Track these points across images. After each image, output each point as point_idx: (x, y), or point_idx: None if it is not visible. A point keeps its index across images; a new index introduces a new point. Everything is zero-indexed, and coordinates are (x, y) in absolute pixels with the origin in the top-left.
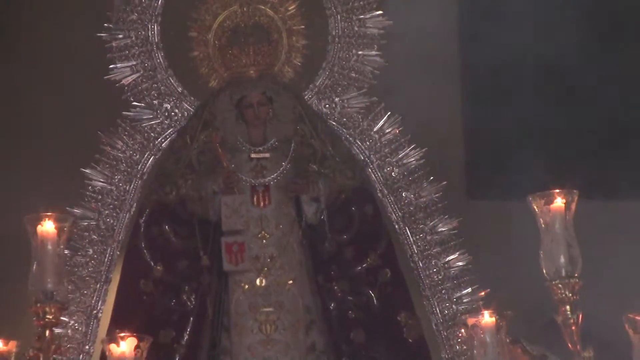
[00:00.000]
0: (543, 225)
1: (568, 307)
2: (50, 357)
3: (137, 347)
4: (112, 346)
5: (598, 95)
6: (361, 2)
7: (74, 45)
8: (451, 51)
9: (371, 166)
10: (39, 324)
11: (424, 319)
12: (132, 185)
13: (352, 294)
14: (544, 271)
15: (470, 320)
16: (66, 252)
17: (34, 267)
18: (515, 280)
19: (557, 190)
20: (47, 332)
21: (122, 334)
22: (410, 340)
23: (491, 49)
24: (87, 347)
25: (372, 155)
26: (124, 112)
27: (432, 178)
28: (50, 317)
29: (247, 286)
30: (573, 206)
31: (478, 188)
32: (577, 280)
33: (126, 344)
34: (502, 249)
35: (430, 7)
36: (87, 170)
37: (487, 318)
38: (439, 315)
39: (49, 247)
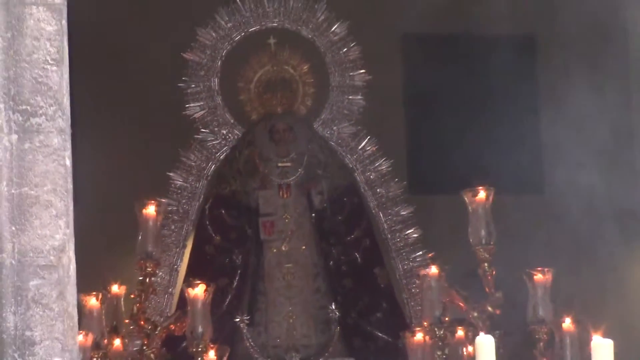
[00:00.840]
0: (470, 210)
1: (486, 264)
2: (148, 296)
3: (205, 290)
4: (190, 290)
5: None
6: (350, 65)
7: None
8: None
9: (357, 172)
10: (142, 274)
11: (390, 271)
12: (200, 184)
13: (344, 255)
14: (471, 240)
15: (422, 271)
16: (159, 224)
17: (140, 237)
18: (453, 246)
19: (480, 187)
20: (148, 280)
21: (196, 281)
22: (382, 285)
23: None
24: (170, 289)
25: (357, 165)
26: (195, 136)
27: (396, 179)
28: (150, 269)
29: (275, 250)
30: (491, 197)
31: (423, 186)
32: (492, 246)
33: (199, 288)
34: (442, 227)
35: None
36: (171, 174)
37: (433, 270)
38: (401, 269)
39: (150, 223)
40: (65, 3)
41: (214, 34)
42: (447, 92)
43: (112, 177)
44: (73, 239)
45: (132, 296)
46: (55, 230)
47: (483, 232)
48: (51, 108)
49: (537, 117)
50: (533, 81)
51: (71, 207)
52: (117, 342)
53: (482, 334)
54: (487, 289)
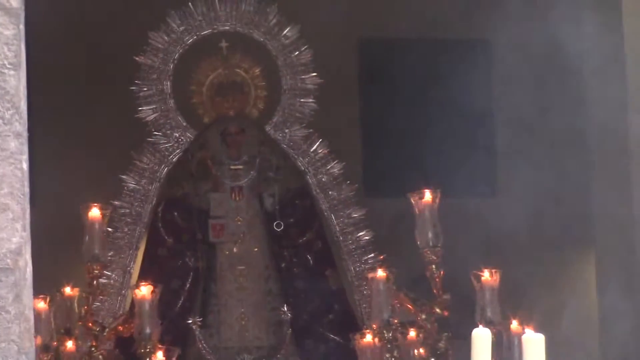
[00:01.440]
0: (417, 212)
1: (434, 266)
2: (97, 298)
3: (153, 291)
4: (137, 291)
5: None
6: (302, 68)
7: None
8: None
9: (309, 174)
10: (90, 277)
11: (342, 274)
12: (152, 186)
13: (296, 257)
14: (418, 242)
15: (370, 275)
16: (110, 229)
17: (86, 239)
18: (401, 249)
19: (427, 190)
20: (95, 282)
21: (143, 283)
22: (333, 288)
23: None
24: (123, 291)
25: (309, 167)
26: (148, 139)
27: (348, 182)
28: (97, 272)
29: (227, 252)
30: (437, 200)
31: (374, 189)
32: (439, 248)
33: (146, 289)
34: (390, 230)
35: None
36: (124, 176)
37: (381, 273)
38: (353, 271)
39: (96, 226)
40: (23, 8)
41: (166, 38)
42: (402, 96)
43: (66, 180)
44: (30, 242)
45: (83, 297)
46: (12, 234)
47: (430, 234)
48: (8, 112)
49: (493, 122)
50: (488, 85)
51: (28, 211)
52: (70, 344)
53: (480, 326)
54: (435, 291)
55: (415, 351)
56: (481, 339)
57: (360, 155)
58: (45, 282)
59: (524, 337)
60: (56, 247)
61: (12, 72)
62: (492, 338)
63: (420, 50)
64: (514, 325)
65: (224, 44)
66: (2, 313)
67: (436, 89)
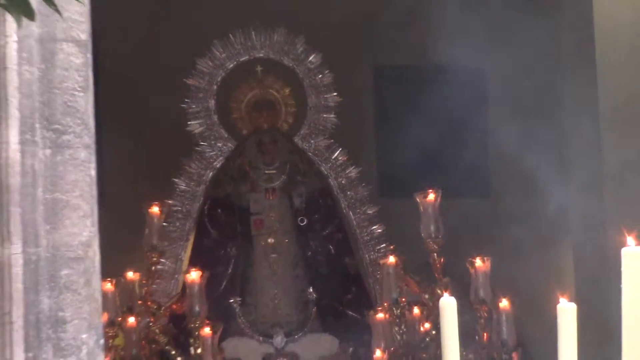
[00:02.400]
0: (422, 209)
1: (435, 254)
2: (154, 281)
3: (201, 276)
4: (187, 275)
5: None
6: (324, 88)
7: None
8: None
9: (330, 178)
10: (148, 263)
11: (359, 261)
12: (200, 188)
13: (320, 247)
14: (422, 234)
15: (382, 261)
16: (165, 224)
17: (146, 232)
18: (406, 240)
19: (430, 190)
20: (153, 268)
21: (192, 269)
22: (351, 272)
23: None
24: (175, 276)
25: (331, 172)
26: (196, 148)
27: (364, 184)
28: (155, 259)
29: (263, 243)
30: (439, 199)
31: (386, 190)
32: (440, 239)
33: (195, 274)
34: (399, 224)
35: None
36: (176, 180)
37: (391, 259)
38: (367, 258)
39: (155, 221)
40: (90, 40)
41: (210, 63)
42: (410, 113)
43: (130, 184)
44: (97, 236)
45: (142, 282)
46: (82, 229)
47: (432, 228)
48: (78, 127)
49: (486, 134)
50: (484, 105)
51: (96, 210)
52: (132, 320)
53: (445, 295)
54: (436, 275)
55: (421, 325)
56: (448, 306)
57: (374, 162)
58: (112, 268)
59: (558, 306)
60: (122, 239)
61: (81, 94)
62: (484, 314)
63: (424, 74)
64: (503, 303)
65: (259, 69)
66: (75, 295)
67: (439, 107)
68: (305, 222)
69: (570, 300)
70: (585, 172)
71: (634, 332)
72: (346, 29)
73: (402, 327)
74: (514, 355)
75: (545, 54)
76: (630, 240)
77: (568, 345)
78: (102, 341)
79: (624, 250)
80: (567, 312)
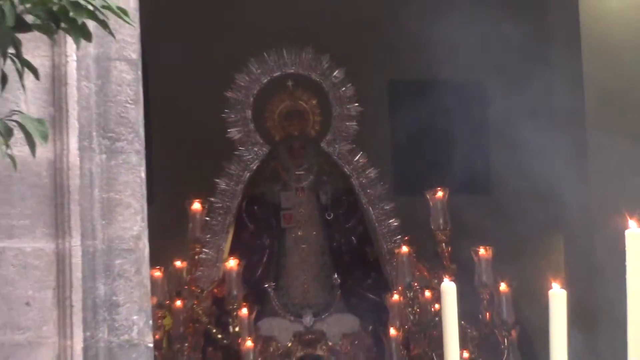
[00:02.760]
0: (432, 205)
1: (443, 244)
2: (198, 269)
3: (238, 264)
4: (227, 263)
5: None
6: (347, 100)
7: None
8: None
9: (352, 177)
10: (192, 253)
11: (377, 250)
12: (238, 187)
13: (344, 238)
14: (432, 227)
15: (397, 250)
16: (207, 218)
17: (190, 226)
18: (418, 231)
19: (439, 188)
20: (196, 257)
21: (231, 258)
22: (371, 260)
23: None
24: (217, 264)
25: (353, 172)
26: (234, 152)
27: (382, 183)
28: (198, 249)
29: (294, 235)
30: (447, 196)
31: (401, 188)
32: (448, 231)
33: (234, 262)
34: (412, 218)
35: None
36: (217, 180)
37: (405, 249)
38: (385, 248)
39: (197, 216)
40: (140, 58)
41: (247, 78)
42: (420, 121)
43: (176, 184)
44: (146, 230)
45: (188, 269)
46: (133, 224)
47: (440, 221)
48: (130, 135)
49: (488, 140)
50: (485, 113)
51: (145, 207)
52: (179, 303)
53: (446, 280)
54: (444, 262)
55: (432, 307)
56: (449, 290)
57: (390, 164)
58: (161, 257)
59: (550, 292)
60: (170, 232)
61: (132, 106)
62: (486, 296)
63: (432, 87)
64: (502, 287)
65: (290, 83)
66: (127, 282)
67: (445, 116)
68: (331, 217)
69: (562, 287)
70: (574, 171)
71: (638, 309)
72: (365, 48)
73: (415, 308)
74: (513, 332)
75: (537, 63)
76: (632, 223)
77: (559, 326)
78: (150, 322)
79: (627, 232)
80: (558, 297)
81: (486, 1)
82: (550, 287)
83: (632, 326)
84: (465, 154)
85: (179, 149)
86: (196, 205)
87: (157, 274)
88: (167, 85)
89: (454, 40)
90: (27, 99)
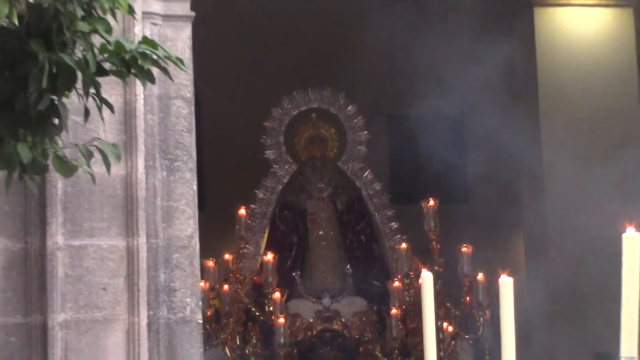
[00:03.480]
0: (424, 211)
1: (434, 242)
2: (241, 260)
3: (273, 257)
4: (264, 257)
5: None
6: (358, 129)
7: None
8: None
9: (362, 190)
10: (237, 248)
11: (382, 246)
12: (273, 196)
13: (355, 237)
14: (425, 228)
15: (397, 246)
16: (249, 221)
17: (236, 227)
18: (414, 232)
19: (430, 198)
20: (240, 251)
21: (267, 252)
22: (377, 254)
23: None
24: (256, 257)
25: (362, 186)
26: (270, 169)
27: (384, 194)
28: (242, 245)
29: (315, 234)
30: (437, 204)
31: (400, 198)
32: (437, 232)
33: (270, 256)
34: (409, 222)
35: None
36: (257, 191)
37: (403, 245)
38: (387, 245)
39: (242, 219)
40: (193, 96)
41: (280, 111)
42: (413, 145)
43: (223, 194)
44: (197, 231)
45: (234, 261)
46: (187, 226)
47: (432, 224)
48: (185, 157)
49: (466, 161)
50: (463, 140)
51: (197, 213)
52: (226, 287)
53: (424, 271)
54: (434, 257)
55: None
56: (427, 278)
57: (390, 179)
58: (214, 251)
59: (500, 279)
60: (220, 232)
61: (187, 134)
62: (467, 284)
63: (422, 118)
64: (479, 276)
65: (313, 115)
66: (182, 272)
67: (433, 141)
68: (346, 219)
69: (509, 276)
70: (530, 185)
71: (632, 306)
72: (372, 90)
73: (411, 291)
74: (487, 312)
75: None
76: (630, 228)
77: (508, 303)
78: (200, 303)
79: (624, 236)
80: (506, 285)
81: (461, 45)
82: (499, 277)
83: (625, 324)
84: (448, 172)
85: (226, 166)
86: (242, 211)
87: (210, 264)
88: (217, 116)
89: (436, 79)
90: (105, 128)
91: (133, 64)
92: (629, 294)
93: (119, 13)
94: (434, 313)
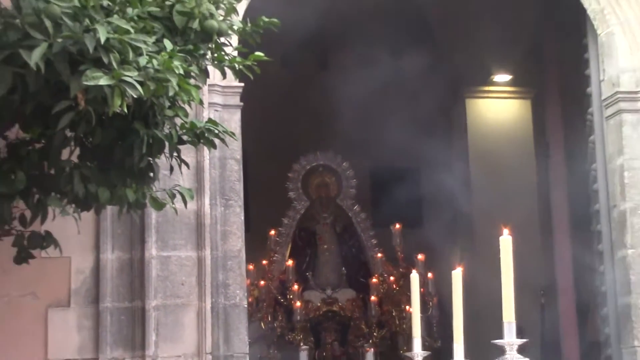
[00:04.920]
0: (393, 232)
1: (399, 252)
2: (272, 264)
3: (293, 262)
4: (287, 262)
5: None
6: (350, 177)
7: (279, 189)
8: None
9: (353, 218)
10: (269, 257)
11: (366, 256)
12: (293, 223)
13: (348, 248)
14: (393, 244)
15: (375, 256)
16: (277, 238)
17: (268, 242)
18: (387, 247)
19: (397, 223)
20: (272, 258)
21: (290, 259)
22: (362, 261)
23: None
24: (282, 263)
25: (353, 215)
26: (291, 204)
27: (368, 221)
28: (272, 254)
29: (322, 247)
30: (400, 227)
31: (378, 223)
32: (402, 246)
33: (291, 261)
34: (383, 240)
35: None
36: (283, 219)
37: (379, 255)
38: (370, 255)
39: (273, 237)
40: (241, 157)
41: (299, 166)
42: (386, 191)
43: (262, 221)
44: (244, 246)
45: (267, 265)
46: (237, 243)
47: (398, 240)
48: (236, 197)
49: (420, 198)
50: (420, 188)
51: (243, 234)
52: (262, 282)
53: (414, 271)
54: (400, 262)
55: (395, 285)
56: (414, 278)
57: (372, 212)
58: (255, 259)
59: (501, 237)
60: (258, 246)
61: (237, 183)
62: (420, 279)
63: (391, 169)
64: (429, 275)
65: (320, 169)
66: (233, 273)
67: (398, 187)
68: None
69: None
70: (464, 215)
71: (509, 296)
72: (360, 153)
73: (384, 285)
74: (434, 299)
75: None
76: (505, 231)
77: (457, 289)
78: (245, 294)
79: (501, 238)
80: (457, 275)
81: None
82: (454, 269)
83: (505, 296)
84: (409, 207)
85: (262, 203)
86: (272, 232)
87: (251, 267)
88: (257, 169)
89: (401, 149)
90: (183, 178)
91: (202, 136)
92: (506, 274)
93: (193, 104)
94: (419, 298)
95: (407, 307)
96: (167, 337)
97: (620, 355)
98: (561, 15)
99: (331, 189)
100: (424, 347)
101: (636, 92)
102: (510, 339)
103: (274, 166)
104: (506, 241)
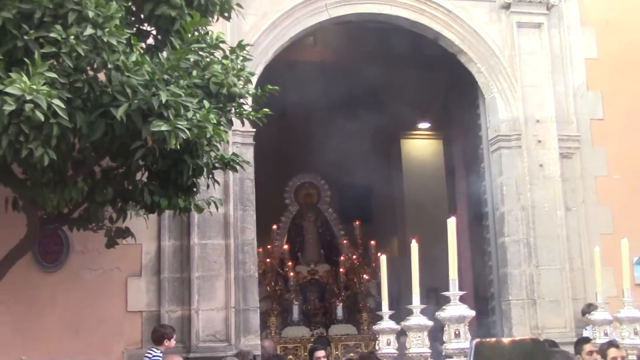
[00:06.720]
0: (354, 226)
1: (358, 239)
2: (274, 247)
3: (288, 247)
4: (284, 246)
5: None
6: (327, 192)
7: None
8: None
9: (328, 217)
10: (272, 242)
11: (337, 242)
12: (288, 220)
13: (325, 238)
14: (354, 233)
15: (342, 241)
16: (277, 231)
17: (271, 233)
18: (350, 236)
19: (357, 220)
20: (274, 244)
21: (286, 244)
22: (334, 245)
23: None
24: (281, 247)
25: (333, 222)
26: (287, 209)
27: (338, 218)
28: (274, 241)
29: (307, 237)
30: (359, 223)
31: (345, 220)
32: (360, 234)
33: (286, 246)
34: (348, 231)
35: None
36: (281, 217)
37: (345, 241)
38: (338, 242)
39: (274, 230)
40: (254, 178)
41: (291, 183)
42: (350, 200)
43: (268, 219)
44: (255, 237)
45: (270, 249)
46: (251, 235)
47: (357, 232)
48: (250, 204)
49: (372, 205)
50: (372, 196)
51: (255, 229)
52: (268, 260)
53: (383, 255)
54: (359, 246)
55: (355, 261)
56: (383, 260)
57: (340, 211)
58: (263, 244)
59: (448, 220)
60: (265, 236)
61: (251, 195)
62: (372, 259)
63: (355, 188)
64: (380, 255)
65: (306, 185)
66: (248, 255)
67: (360, 195)
68: (321, 231)
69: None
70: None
71: (453, 261)
72: (332, 174)
73: (349, 261)
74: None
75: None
76: (452, 217)
77: (415, 265)
78: (256, 268)
79: (448, 221)
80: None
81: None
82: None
83: (451, 262)
84: (364, 209)
85: (268, 208)
86: (274, 227)
87: (260, 250)
88: (264, 186)
89: (359, 174)
90: (215, 192)
91: (228, 164)
92: (452, 254)
93: (222, 143)
94: (386, 270)
95: (364, 276)
96: (205, 297)
97: (500, 305)
98: (462, 85)
99: (313, 198)
100: (376, 304)
101: (510, 135)
102: (454, 292)
103: (275, 183)
104: (451, 222)
